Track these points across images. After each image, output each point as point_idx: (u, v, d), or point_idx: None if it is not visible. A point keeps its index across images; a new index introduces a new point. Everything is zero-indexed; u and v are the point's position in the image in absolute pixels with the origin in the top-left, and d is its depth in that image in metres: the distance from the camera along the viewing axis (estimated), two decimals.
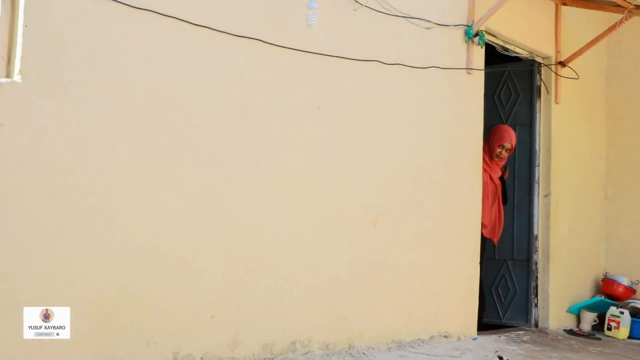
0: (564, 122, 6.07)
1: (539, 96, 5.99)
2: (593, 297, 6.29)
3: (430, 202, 4.64)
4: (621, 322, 5.89)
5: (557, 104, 5.96)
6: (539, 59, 5.92)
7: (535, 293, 5.89)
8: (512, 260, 6.05)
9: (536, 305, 5.88)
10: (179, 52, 3.30)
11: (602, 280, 6.44)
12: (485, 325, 5.49)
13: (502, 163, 5.66)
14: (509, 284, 6.05)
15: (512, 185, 6.01)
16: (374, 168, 4.26)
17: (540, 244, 5.91)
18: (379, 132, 4.30)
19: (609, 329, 5.93)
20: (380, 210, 4.27)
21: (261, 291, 3.60)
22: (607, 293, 6.32)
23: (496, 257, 6.08)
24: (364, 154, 4.20)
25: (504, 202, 5.74)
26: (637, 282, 6.37)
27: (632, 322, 5.93)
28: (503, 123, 6.02)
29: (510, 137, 5.54)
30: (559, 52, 5.95)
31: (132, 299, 3.03)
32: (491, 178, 5.52)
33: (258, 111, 3.63)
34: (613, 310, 5.95)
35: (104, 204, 2.99)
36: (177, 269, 3.23)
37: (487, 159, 5.44)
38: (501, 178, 5.67)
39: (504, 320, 5.97)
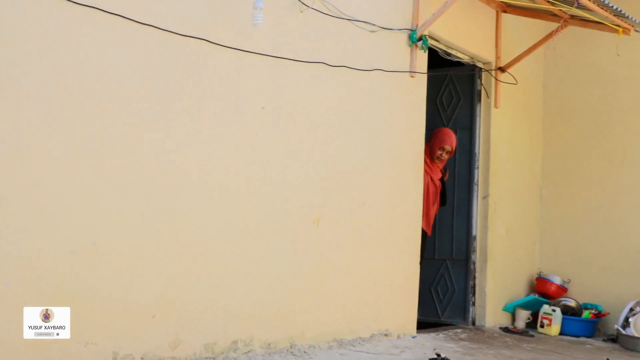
0: (502, 125, 6.19)
1: (480, 100, 6.10)
2: (527, 295, 6.42)
3: (373, 202, 4.67)
4: (553, 320, 6.04)
5: (497, 108, 6.07)
6: (479, 64, 6.02)
7: (473, 292, 6.00)
8: (451, 260, 6.14)
9: (474, 303, 5.99)
10: (122, 51, 3.24)
11: (536, 279, 6.59)
12: (425, 323, 5.55)
13: (442, 165, 5.74)
14: (448, 283, 6.13)
15: (452, 187, 6.10)
16: (318, 169, 4.27)
17: (478, 244, 6.02)
18: (323, 133, 4.31)
19: (542, 326, 6.08)
20: (323, 210, 4.29)
21: (203, 290, 3.57)
22: (541, 291, 6.47)
23: (436, 257, 6.16)
24: (308, 155, 4.21)
25: (443, 203, 5.82)
26: (568, 280, 6.52)
27: (564, 319, 6.09)
28: (444, 126, 6.10)
29: (450, 140, 5.62)
30: (499, 57, 6.07)
31: (71, 298, 2.95)
32: (432, 179, 5.59)
33: (202, 111, 3.59)
34: (546, 308, 6.10)
35: (44, 203, 2.91)
36: (118, 267, 3.18)
37: (428, 160, 5.49)
38: (441, 179, 5.74)
39: (442, 319, 6.06)
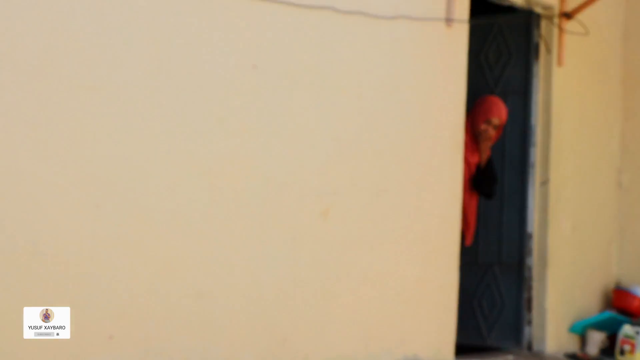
0: (568, 90, 6.19)
1: (537, 57, 6.11)
2: (602, 312, 6.43)
3: (397, 190, 4.76)
4: (637, 344, 6.05)
5: (560, 66, 6.08)
6: (537, 9, 6.03)
7: (528, 307, 6.04)
8: (500, 265, 6.16)
9: (530, 322, 6.03)
10: (78, 4, 3.34)
11: (613, 292, 6.60)
12: (465, 347, 5.60)
13: (488, 145, 5.73)
14: (495, 295, 6.16)
15: (501, 170, 6.07)
16: (326, 146, 4.36)
17: (535, 244, 6.06)
18: (333, 101, 4.39)
19: (622, 352, 6.09)
20: (333, 199, 4.37)
21: (176, 303, 3.66)
22: (620, 307, 6.47)
23: (479, 261, 6.19)
24: (313, 128, 4.29)
25: (487, 194, 5.84)
26: None
27: None
28: (490, 89, 6.10)
29: (499, 111, 5.65)
30: (563, 0, 6.08)
31: (3, 316, 3.13)
32: (469, 165, 5.62)
33: (176, 71, 3.68)
34: (627, 329, 6.11)
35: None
36: (64, 274, 3.31)
37: (467, 139, 5.48)
38: (477, 165, 5.74)
39: (488, 342, 6.11)
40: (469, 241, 5.75)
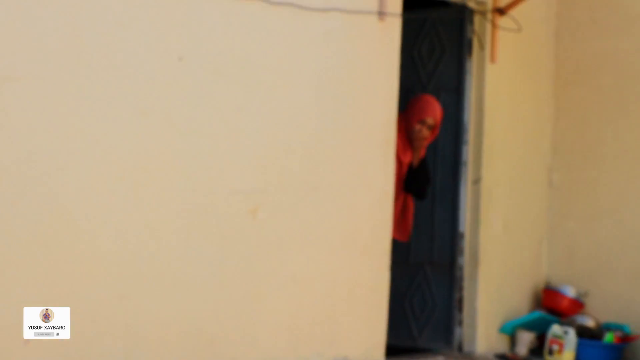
0: (500, 87, 6.26)
1: (470, 53, 6.17)
2: (532, 312, 6.52)
3: (328, 188, 4.77)
4: (565, 344, 6.13)
5: (493, 63, 6.14)
6: (471, 4, 6.08)
7: (459, 307, 6.10)
8: (431, 264, 6.21)
9: (460, 323, 6.10)
10: None
11: (542, 291, 6.70)
12: (396, 348, 5.63)
13: (422, 144, 5.74)
14: (427, 296, 6.21)
15: (432, 169, 6.11)
16: (255, 141, 4.34)
17: (467, 243, 6.13)
18: (262, 95, 4.38)
19: (551, 352, 6.18)
20: (262, 197, 4.35)
21: (96, 305, 3.61)
22: (549, 307, 6.56)
23: (410, 261, 6.23)
24: (241, 124, 4.26)
25: (418, 195, 5.86)
26: (585, 293, 6.61)
27: (579, 344, 6.18)
28: (423, 86, 6.14)
29: (433, 111, 5.68)
30: None
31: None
32: (401, 164, 5.63)
33: (96, 63, 3.62)
34: (556, 329, 6.20)
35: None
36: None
37: (400, 139, 5.51)
38: (410, 164, 5.76)
39: (419, 343, 6.17)
40: (405, 237, 5.77)
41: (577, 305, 6.54)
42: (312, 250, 4.67)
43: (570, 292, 6.53)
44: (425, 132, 5.67)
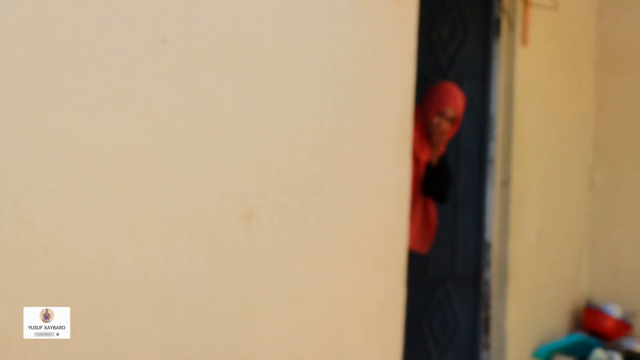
0: (534, 73, 6.29)
1: (498, 34, 6.20)
2: (571, 334, 6.56)
3: (334, 190, 4.78)
4: None
5: (525, 46, 6.17)
6: None
7: (486, 328, 6.13)
8: (453, 278, 6.24)
9: (487, 346, 6.13)
10: None
11: (583, 310, 6.74)
12: None
13: (442, 140, 5.75)
14: (448, 315, 6.24)
15: (454, 168, 6.14)
16: (250, 137, 4.36)
17: (495, 255, 6.17)
18: (259, 83, 4.40)
19: None
20: (257, 201, 4.37)
21: (70, 321, 3.63)
22: (592, 329, 6.62)
23: (429, 275, 6.26)
24: (234, 116, 4.28)
25: (440, 198, 5.87)
26: (633, 312, 6.66)
27: None
28: (443, 73, 6.18)
29: (454, 101, 5.69)
30: None
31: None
32: (419, 163, 5.68)
33: (69, 45, 3.64)
34: (599, 354, 6.25)
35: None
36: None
37: (416, 133, 5.56)
38: (428, 163, 5.80)
39: None
40: (426, 248, 5.78)
41: (624, 326, 6.59)
42: (315, 262, 4.69)
43: (616, 311, 6.57)
44: (446, 126, 5.68)
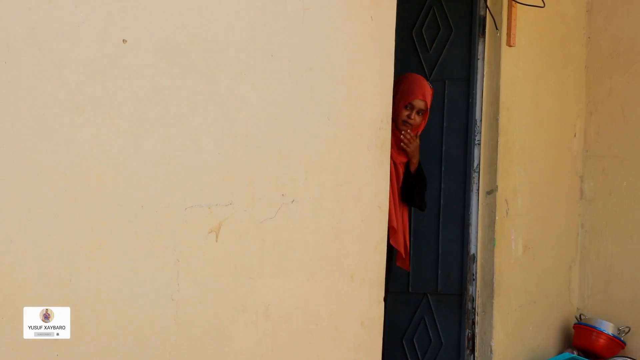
0: (520, 75, 6.30)
1: (483, 34, 6.20)
2: (560, 353, 6.55)
3: (308, 201, 4.76)
4: None
5: (511, 46, 6.17)
6: None
7: (471, 346, 6.11)
8: (436, 294, 6.22)
9: None
10: None
11: (574, 327, 6.73)
12: None
13: (410, 131, 5.69)
14: (431, 333, 6.22)
15: (436, 177, 6.13)
16: (217, 143, 4.32)
17: (479, 269, 6.15)
18: (227, 85, 4.37)
19: None
20: (226, 212, 4.34)
21: (22, 348, 3.58)
22: (582, 346, 6.62)
23: (411, 290, 6.23)
24: (200, 120, 4.25)
25: (420, 206, 5.86)
26: (627, 330, 6.66)
27: None
28: (424, 73, 6.16)
29: (422, 91, 5.67)
30: None
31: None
32: (395, 164, 5.65)
33: (22, 45, 3.60)
34: None
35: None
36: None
37: (392, 135, 5.44)
38: (406, 166, 5.76)
39: None
40: (407, 265, 5.76)
41: (617, 344, 6.60)
42: (288, 277, 4.66)
43: (608, 328, 6.58)
44: (416, 118, 5.66)
